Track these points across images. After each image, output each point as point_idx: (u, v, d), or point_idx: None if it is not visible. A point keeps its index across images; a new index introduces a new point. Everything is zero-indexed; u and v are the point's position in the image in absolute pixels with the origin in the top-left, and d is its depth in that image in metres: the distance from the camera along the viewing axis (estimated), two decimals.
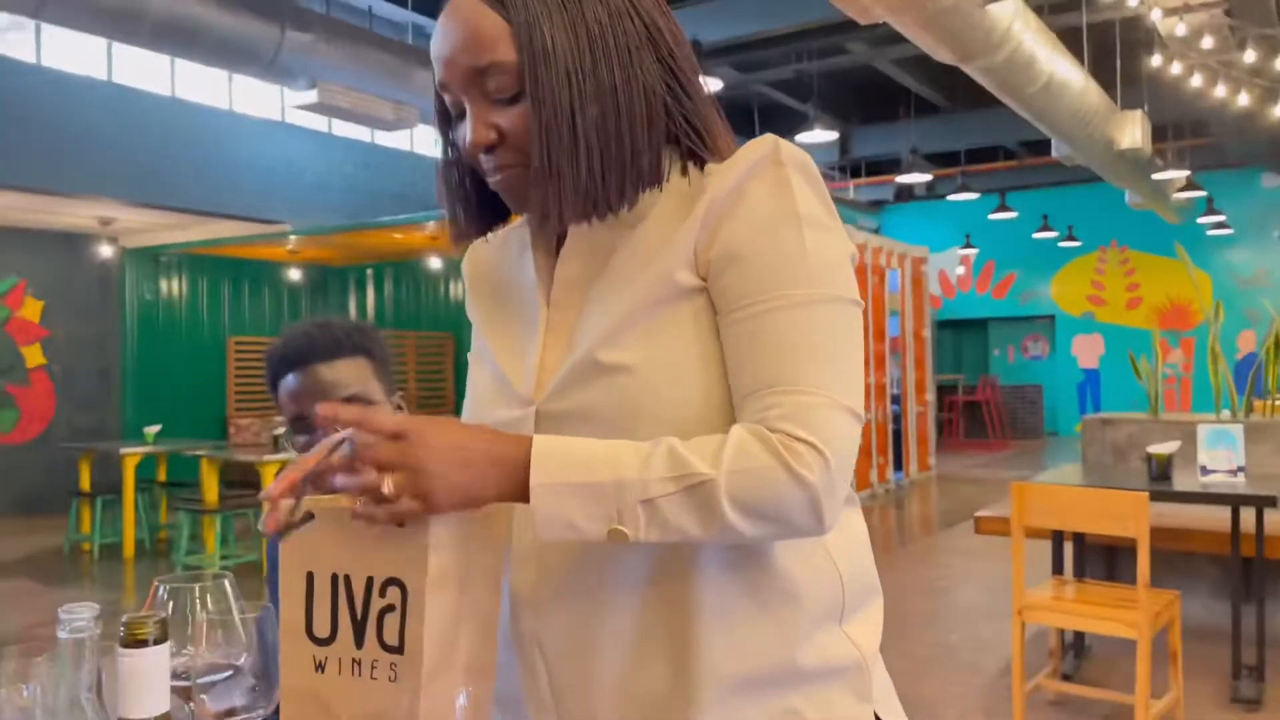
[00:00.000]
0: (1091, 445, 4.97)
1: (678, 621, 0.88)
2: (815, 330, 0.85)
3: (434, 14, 9.74)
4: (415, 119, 7.68)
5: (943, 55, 6.30)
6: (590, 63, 0.87)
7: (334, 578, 0.81)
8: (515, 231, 1.06)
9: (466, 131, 0.90)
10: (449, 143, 0.98)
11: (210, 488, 6.70)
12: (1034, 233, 14.62)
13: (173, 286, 9.88)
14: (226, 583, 0.97)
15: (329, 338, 1.51)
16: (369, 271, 11.14)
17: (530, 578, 0.92)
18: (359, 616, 0.80)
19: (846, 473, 0.84)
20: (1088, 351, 15.60)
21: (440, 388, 10.49)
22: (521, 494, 0.81)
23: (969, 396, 15.27)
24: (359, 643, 0.79)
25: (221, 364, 10.03)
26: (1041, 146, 12.03)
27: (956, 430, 15.00)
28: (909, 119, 12.31)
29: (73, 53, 8.64)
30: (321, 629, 0.81)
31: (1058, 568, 4.01)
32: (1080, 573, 4.16)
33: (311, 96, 6.90)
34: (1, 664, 0.75)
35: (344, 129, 10.57)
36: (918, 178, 11.32)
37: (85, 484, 7.58)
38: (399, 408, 1.58)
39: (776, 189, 0.88)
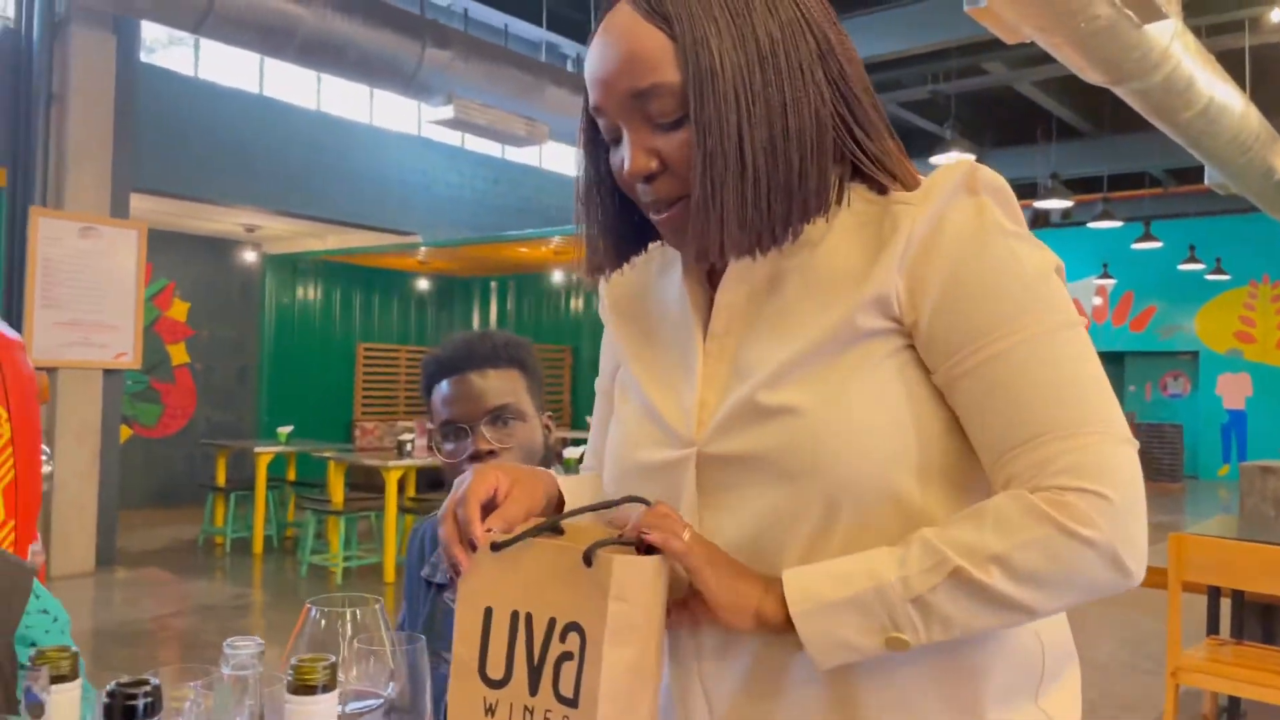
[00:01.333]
0: (1250, 495, 4.63)
1: (854, 694, 0.81)
2: (1067, 361, 0.77)
3: (568, 32, 9.94)
4: (546, 135, 7.79)
5: (1093, 77, 6.02)
6: (760, 82, 0.78)
7: (514, 616, 0.77)
8: (656, 249, 0.97)
9: (624, 158, 0.83)
10: (593, 165, 0.91)
11: (336, 489, 6.88)
12: (1179, 264, 13.88)
13: (308, 292, 10.24)
14: (378, 609, 0.94)
15: (486, 347, 1.53)
16: (493, 284, 11.34)
17: (695, 660, 0.87)
18: (536, 661, 0.75)
19: (1139, 510, 0.75)
20: (1233, 391, 14.69)
21: (558, 399, 10.57)
22: (783, 621, 0.77)
23: None
24: (533, 690, 0.75)
25: (350, 369, 10.33)
26: (1189, 174, 11.42)
27: None
28: (1049, 142, 11.86)
29: (228, 67, 9.08)
30: (495, 670, 0.77)
31: (1213, 627, 3.73)
32: (1237, 633, 3.86)
33: (448, 112, 7.05)
34: (164, 687, 0.72)
35: (475, 144, 10.82)
36: (1057, 203, 10.89)
37: (221, 479, 7.89)
38: (547, 428, 1.55)
39: (978, 220, 0.80)
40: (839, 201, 0.84)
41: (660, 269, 0.97)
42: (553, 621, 0.75)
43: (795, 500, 0.79)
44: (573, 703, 0.73)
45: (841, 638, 0.74)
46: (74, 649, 0.65)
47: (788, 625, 0.76)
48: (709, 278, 0.91)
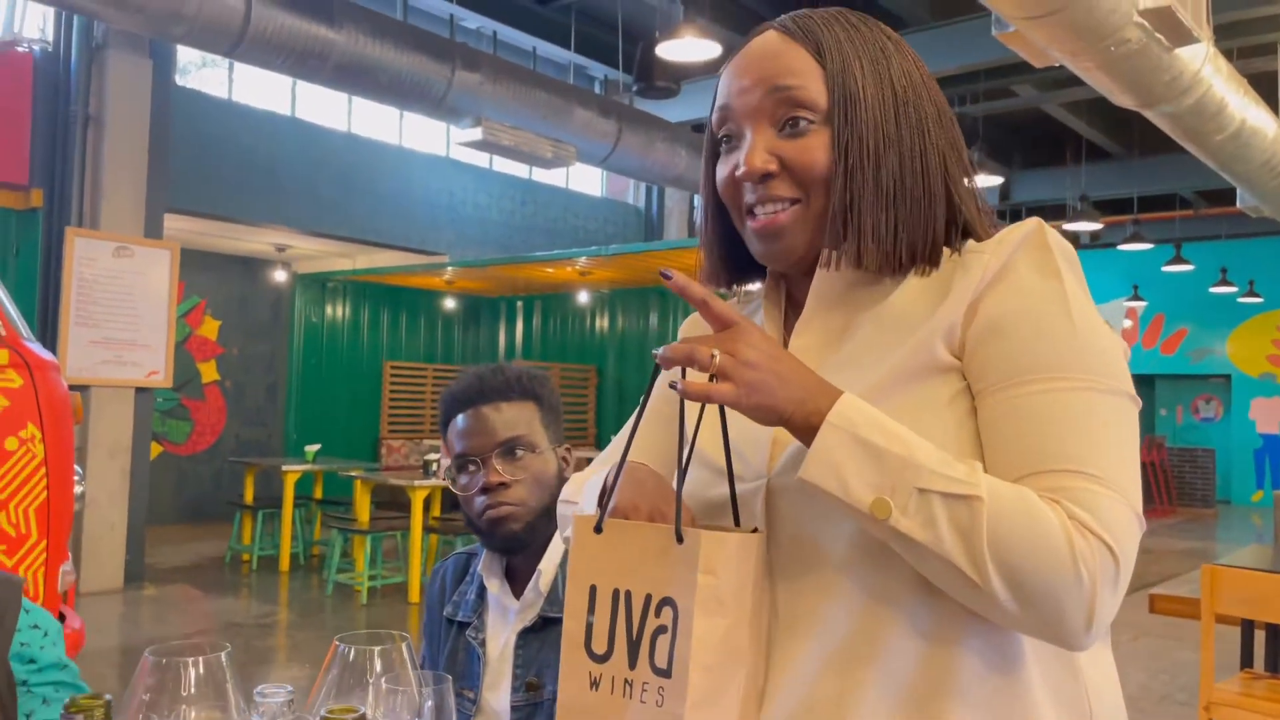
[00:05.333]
0: None
1: None
2: (1097, 419, 0.77)
3: (596, 55, 10.00)
4: (573, 157, 7.82)
5: (1123, 100, 5.98)
6: (894, 122, 0.87)
7: (615, 593, 0.81)
8: (734, 303, 1.03)
9: (741, 157, 0.88)
10: (711, 181, 0.96)
11: (363, 508, 6.91)
12: (1211, 286, 13.73)
13: (337, 311, 10.33)
14: (405, 647, 0.95)
15: (498, 380, 1.53)
16: (519, 303, 11.39)
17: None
18: (634, 636, 0.79)
19: (1122, 589, 0.74)
20: (1267, 416, 14.49)
21: (583, 419, 10.58)
22: (810, 428, 0.77)
23: None
24: (632, 663, 0.79)
25: (377, 387, 10.40)
26: (1220, 195, 11.30)
27: None
28: (1078, 164, 11.79)
29: (260, 90, 9.21)
30: (599, 645, 0.82)
31: (1247, 660, 3.66)
32: (1272, 666, 3.78)
33: (476, 134, 7.11)
34: None
35: (503, 165, 10.89)
36: (1086, 226, 10.81)
37: (249, 497, 7.95)
38: (564, 460, 1.55)
39: (1042, 272, 0.83)
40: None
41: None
42: (649, 597, 0.79)
43: (859, 531, 0.81)
44: (666, 673, 0.76)
45: (842, 470, 0.75)
46: (107, 698, 0.66)
47: (807, 427, 0.77)
48: (785, 323, 0.96)
